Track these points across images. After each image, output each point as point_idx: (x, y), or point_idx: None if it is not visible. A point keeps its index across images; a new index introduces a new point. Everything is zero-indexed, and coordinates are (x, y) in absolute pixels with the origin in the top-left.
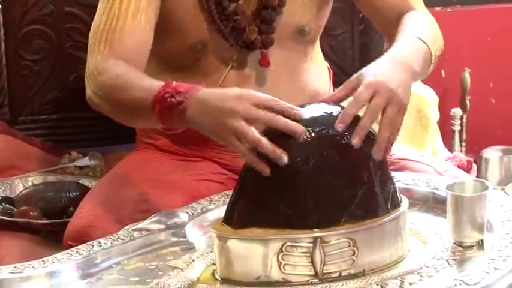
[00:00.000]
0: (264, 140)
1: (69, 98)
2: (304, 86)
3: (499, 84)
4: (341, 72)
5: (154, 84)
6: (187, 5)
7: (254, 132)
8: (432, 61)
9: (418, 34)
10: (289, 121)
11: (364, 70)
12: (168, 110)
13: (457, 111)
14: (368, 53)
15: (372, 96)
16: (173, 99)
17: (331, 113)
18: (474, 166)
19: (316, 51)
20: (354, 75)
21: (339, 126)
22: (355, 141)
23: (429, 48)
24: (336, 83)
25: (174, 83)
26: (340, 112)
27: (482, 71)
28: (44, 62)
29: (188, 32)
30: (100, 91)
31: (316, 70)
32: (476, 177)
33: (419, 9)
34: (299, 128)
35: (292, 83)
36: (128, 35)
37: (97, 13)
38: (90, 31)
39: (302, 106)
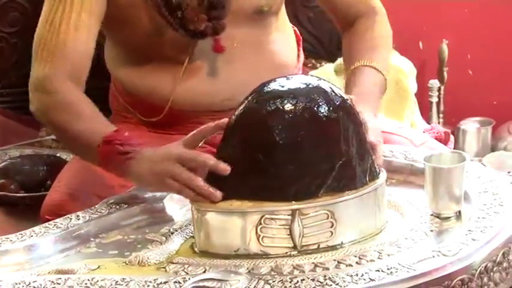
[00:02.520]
0: (196, 179)
1: None
2: (271, 57)
3: (476, 55)
4: (319, 43)
5: (107, 128)
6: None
7: (187, 172)
8: (385, 85)
9: (372, 63)
10: (205, 187)
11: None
12: (115, 155)
13: (434, 83)
14: None
15: None
16: (120, 148)
17: (309, 85)
18: (452, 137)
19: (281, 20)
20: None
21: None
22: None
23: (383, 76)
24: (315, 54)
25: (127, 133)
26: (317, 85)
27: (460, 42)
28: (21, 34)
29: (141, 24)
30: (44, 113)
31: (283, 39)
32: (454, 148)
33: (377, 10)
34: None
35: (259, 56)
36: (69, 50)
37: (41, 18)
38: (35, 37)
39: (277, 78)
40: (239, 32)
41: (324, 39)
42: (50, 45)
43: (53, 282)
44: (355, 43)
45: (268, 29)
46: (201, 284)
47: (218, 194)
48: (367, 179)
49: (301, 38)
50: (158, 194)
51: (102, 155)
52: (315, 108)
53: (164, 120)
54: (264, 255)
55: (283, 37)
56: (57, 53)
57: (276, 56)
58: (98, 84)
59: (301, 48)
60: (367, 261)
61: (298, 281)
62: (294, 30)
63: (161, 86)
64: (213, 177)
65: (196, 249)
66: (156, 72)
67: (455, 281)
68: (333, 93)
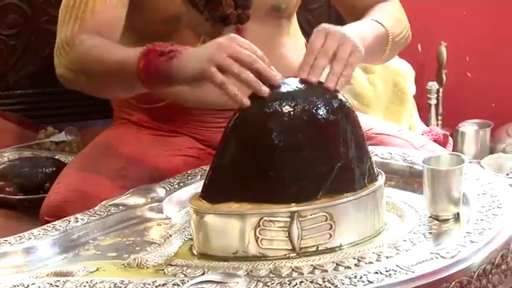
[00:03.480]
0: (247, 71)
1: (45, 73)
2: (281, 61)
3: (475, 58)
4: None
5: (139, 48)
6: None
7: (237, 64)
8: (389, 43)
9: (376, 18)
10: (267, 68)
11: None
12: (157, 58)
13: (433, 85)
14: None
15: (324, 41)
16: (163, 49)
17: (308, 87)
18: (450, 140)
19: (293, 26)
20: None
21: (302, 77)
22: (306, 76)
23: (385, 29)
24: None
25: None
26: (316, 87)
27: (459, 44)
28: (19, 37)
29: (163, 5)
30: (75, 64)
31: (293, 45)
32: (453, 150)
33: (392, 1)
34: (277, 76)
35: (269, 57)
36: (99, 14)
37: None
38: (60, 8)
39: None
40: (253, 29)
41: None
42: (77, 11)
43: (51, 284)
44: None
45: (281, 31)
46: (199, 286)
47: (266, 89)
48: (366, 181)
49: None
50: (157, 196)
51: (143, 66)
52: (314, 111)
53: (166, 117)
54: (263, 258)
55: (295, 43)
56: (86, 17)
57: (285, 60)
58: None
59: None
60: (366, 263)
61: (296, 283)
62: (304, 41)
63: None
64: (212, 178)
65: (195, 251)
66: None
67: (453, 283)
68: (332, 96)
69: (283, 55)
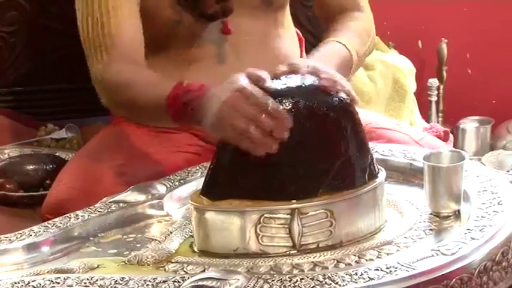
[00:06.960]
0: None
1: (45, 70)
2: (276, 53)
3: (475, 54)
4: (318, 42)
5: (168, 87)
6: None
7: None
8: (354, 64)
9: (341, 38)
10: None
11: None
12: (180, 111)
13: (433, 82)
14: None
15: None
16: (184, 98)
17: (308, 84)
18: (451, 137)
19: (287, 18)
20: None
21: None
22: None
23: (349, 52)
24: None
25: (185, 83)
26: (314, 82)
27: (459, 41)
28: (19, 34)
29: (162, 13)
30: (112, 101)
31: (287, 37)
32: (453, 147)
33: (364, 9)
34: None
35: (264, 50)
36: (118, 34)
37: (79, 16)
38: (81, 36)
39: (278, 77)
40: (245, 20)
41: (323, 38)
42: (99, 40)
43: (52, 281)
44: (332, 30)
45: (275, 23)
46: (200, 283)
47: (275, 147)
48: (366, 178)
49: (303, 39)
50: (157, 193)
51: (172, 115)
52: (314, 108)
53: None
54: (264, 255)
55: (288, 35)
56: (108, 43)
57: (281, 52)
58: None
59: (303, 49)
60: (366, 260)
61: (297, 280)
62: (296, 32)
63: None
64: (213, 175)
65: (195, 248)
66: (164, 65)
67: (454, 280)
68: (332, 92)
69: (277, 47)
